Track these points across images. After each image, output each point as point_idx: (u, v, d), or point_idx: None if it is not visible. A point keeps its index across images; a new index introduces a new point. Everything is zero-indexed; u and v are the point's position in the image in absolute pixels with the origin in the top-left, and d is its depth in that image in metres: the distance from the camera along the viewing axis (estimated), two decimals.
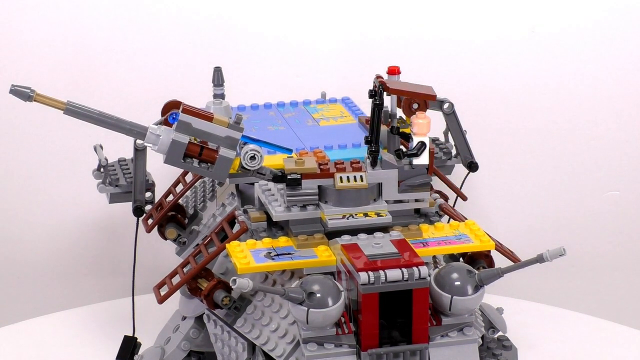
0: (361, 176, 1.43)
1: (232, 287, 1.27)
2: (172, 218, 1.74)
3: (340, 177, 1.42)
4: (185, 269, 1.51)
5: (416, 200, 1.48)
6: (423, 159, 1.47)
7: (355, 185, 1.42)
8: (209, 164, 1.35)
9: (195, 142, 1.35)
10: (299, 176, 1.42)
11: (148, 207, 1.69)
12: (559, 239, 2.22)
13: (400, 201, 1.47)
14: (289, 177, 1.42)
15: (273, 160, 1.51)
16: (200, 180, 1.78)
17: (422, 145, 1.46)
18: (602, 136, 2.22)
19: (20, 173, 2.21)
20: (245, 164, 1.36)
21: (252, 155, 1.35)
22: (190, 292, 1.51)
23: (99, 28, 2.14)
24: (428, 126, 1.47)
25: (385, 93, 1.50)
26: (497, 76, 2.18)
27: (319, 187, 1.43)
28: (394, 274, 1.29)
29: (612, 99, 2.20)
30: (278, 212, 1.44)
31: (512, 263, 1.43)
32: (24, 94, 1.27)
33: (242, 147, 1.36)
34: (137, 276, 1.69)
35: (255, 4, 2.14)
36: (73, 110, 1.31)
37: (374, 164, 1.46)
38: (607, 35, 2.15)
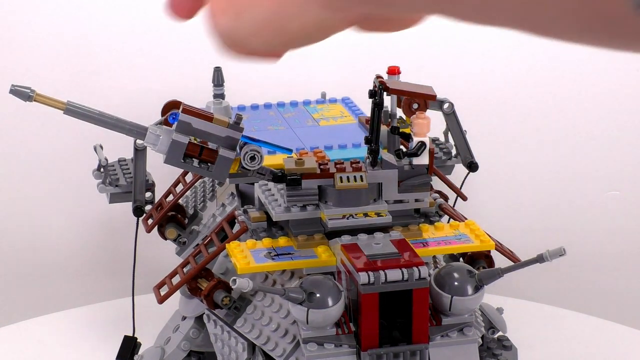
0: (361, 176, 1.42)
1: (232, 287, 1.27)
2: (172, 218, 1.74)
3: (340, 177, 1.42)
4: (185, 269, 1.51)
5: (416, 200, 1.48)
6: (423, 159, 1.46)
7: (355, 185, 1.42)
8: (208, 164, 1.34)
9: (195, 142, 1.34)
10: (299, 176, 1.42)
11: (148, 207, 1.69)
12: (559, 239, 2.22)
13: (401, 201, 1.47)
14: (289, 177, 1.41)
15: (273, 160, 1.51)
16: (200, 180, 1.78)
17: (422, 145, 1.46)
18: (602, 136, 2.22)
19: (20, 173, 2.21)
20: (245, 164, 1.35)
21: (252, 155, 1.35)
22: (190, 292, 1.51)
23: (98, 27, 2.14)
24: (428, 126, 1.47)
25: (385, 93, 1.49)
26: (497, 76, 2.18)
27: (319, 187, 1.43)
28: (394, 274, 1.29)
29: (613, 99, 2.20)
30: (278, 212, 1.44)
31: (512, 263, 1.43)
32: (24, 94, 1.27)
33: (242, 147, 1.35)
34: (137, 276, 1.69)
35: None
36: (73, 110, 1.30)
37: (373, 164, 1.46)
38: None
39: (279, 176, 1.41)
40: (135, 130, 1.33)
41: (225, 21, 0.88)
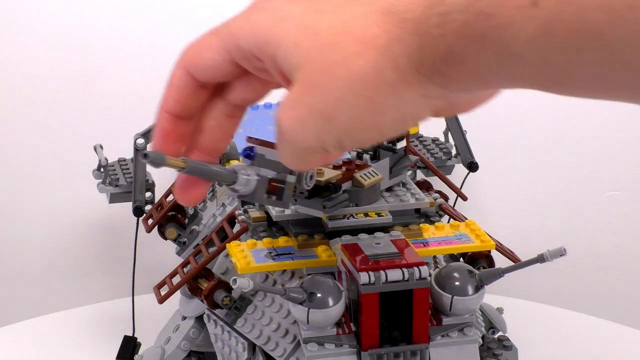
0: (373, 170, 1.44)
1: (233, 287, 1.27)
2: (172, 218, 1.74)
3: (361, 176, 1.43)
4: (185, 269, 1.51)
5: (403, 184, 1.49)
6: (401, 142, 1.49)
7: (375, 179, 1.43)
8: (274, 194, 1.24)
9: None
10: (336, 183, 1.40)
11: (148, 207, 1.69)
12: (559, 239, 2.22)
13: (401, 200, 1.47)
14: (330, 185, 1.39)
15: None
16: None
17: None
18: (602, 136, 2.22)
19: (20, 172, 2.21)
20: (306, 183, 1.29)
21: (312, 174, 1.30)
22: (191, 292, 1.51)
23: (99, 27, 2.14)
24: None
25: None
26: None
27: (344, 190, 1.42)
28: (394, 274, 1.29)
29: None
30: (278, 212, 1.44)
31: (512, 263, 1.43)
32: (157, 160, 1.01)
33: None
34: (137, 276, 1.69)
35: None
36: (192, 168, 1.13)
37: (373, 157, 1.47)
38: None
39: (319, 188, 1.38)
40: (230, 177, 1.17)
41: (314, 126, 0.81)
